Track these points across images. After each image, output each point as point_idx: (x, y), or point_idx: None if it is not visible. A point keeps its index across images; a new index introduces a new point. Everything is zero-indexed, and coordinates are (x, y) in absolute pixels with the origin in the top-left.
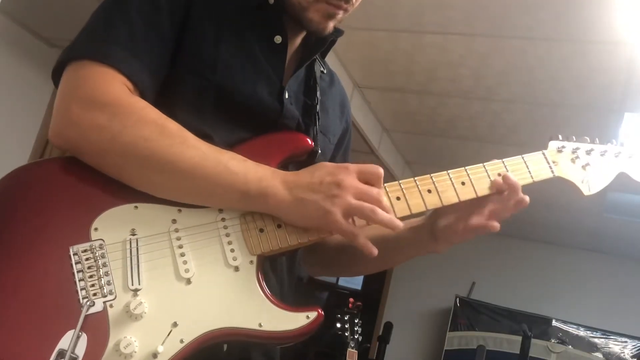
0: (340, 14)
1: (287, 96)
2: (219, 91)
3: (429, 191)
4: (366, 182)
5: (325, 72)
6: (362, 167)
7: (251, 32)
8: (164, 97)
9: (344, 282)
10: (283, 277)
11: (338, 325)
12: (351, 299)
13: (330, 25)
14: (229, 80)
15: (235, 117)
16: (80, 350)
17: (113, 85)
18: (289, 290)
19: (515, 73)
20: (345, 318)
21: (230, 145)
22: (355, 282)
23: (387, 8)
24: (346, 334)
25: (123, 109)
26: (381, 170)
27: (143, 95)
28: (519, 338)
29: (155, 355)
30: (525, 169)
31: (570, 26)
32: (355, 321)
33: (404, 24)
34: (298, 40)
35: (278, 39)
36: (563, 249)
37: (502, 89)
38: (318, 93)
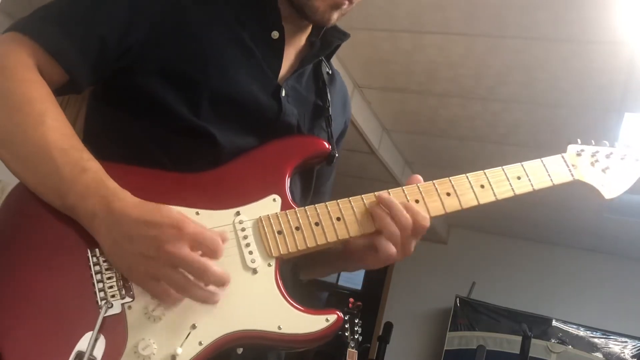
0: (346, 5)
1: (283, 94)
2: (212, 91)
3: (448, 194)
4: (201, 251)
5: (330, 72)
6: (201, 234)
7: (245, 27)
8: (160, 93)
9: (344, 282)
10: (289, 278)
11: None
12: (351, 299)
13: (335, 16)
14: (222, 80)
15: (233, 116)
16: (99, 352)
17: (18, 52)
18: (294, 291)
19: (515, 73)
20: (345, 318)
21: (239, 148)
22: (355, 282)
23: (387, 8)
24: (346, 334)
25: (7, 72)
26: (220, 245)
27: (70, 73)
28: (519, 338)
29: (174, 357)
30: (544, 172)
31: (570, 26)
32: (355, 321)
33: (404, 24)
34: (298, 37)
35: (275, 34)
36: (563, 249)
37: (502, 89)
38: (329, 96)
